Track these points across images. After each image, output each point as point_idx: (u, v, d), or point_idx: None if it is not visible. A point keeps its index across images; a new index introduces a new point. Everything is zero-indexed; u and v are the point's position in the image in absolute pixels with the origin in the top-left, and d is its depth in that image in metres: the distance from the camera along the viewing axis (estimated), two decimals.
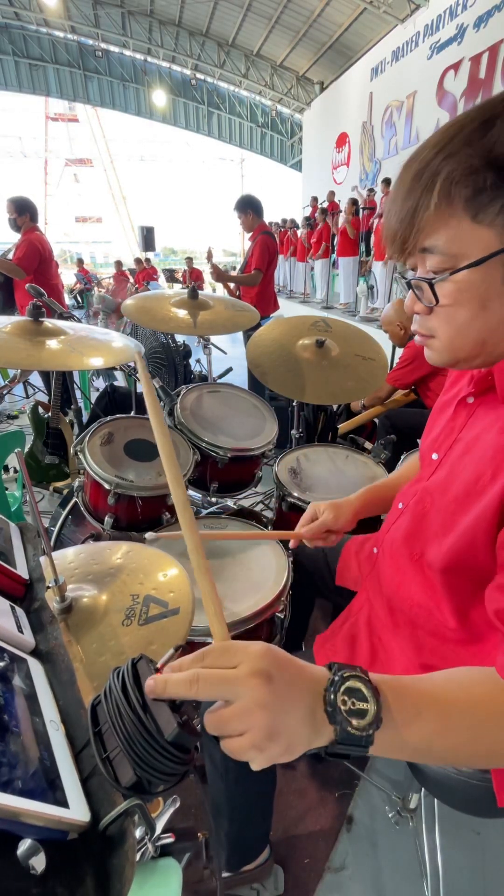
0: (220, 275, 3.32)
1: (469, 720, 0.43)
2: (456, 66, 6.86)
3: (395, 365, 2.28)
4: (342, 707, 0.39)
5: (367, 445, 2.15)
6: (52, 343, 1.19)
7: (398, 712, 0.41)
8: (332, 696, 0.40)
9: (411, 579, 0.71)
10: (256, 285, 3.26)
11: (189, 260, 12.10)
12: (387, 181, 6.69)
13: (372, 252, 6.64)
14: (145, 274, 10.41)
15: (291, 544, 0.94)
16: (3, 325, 1.20)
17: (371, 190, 8.17)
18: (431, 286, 0.54)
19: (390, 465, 1.53)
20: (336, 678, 0.41)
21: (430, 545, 0.67)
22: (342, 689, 0.40)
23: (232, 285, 3.45)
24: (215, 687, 0.38)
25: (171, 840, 0.50)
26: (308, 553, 1.13)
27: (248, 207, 3.23)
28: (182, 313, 1.61)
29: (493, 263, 0.51)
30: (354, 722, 0.39)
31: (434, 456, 0.70)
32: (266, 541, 1.18)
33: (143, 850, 0.48)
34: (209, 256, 4.19)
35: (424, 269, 0.55)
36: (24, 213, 3.04)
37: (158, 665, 0.46)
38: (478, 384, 0.64)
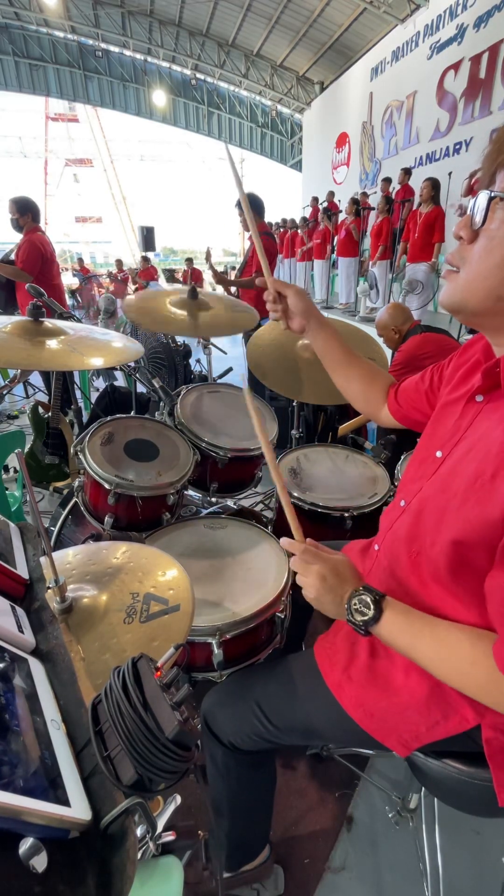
0: (220, 278, 3.31)
1: (432, 657, 0.62)
2: (456, 66, 6.85)
3: (388, 368, 2.29)
4: (353, 608, 0.66)
5: (367, 445, 2.15)
6: (52, 343, 1.19)
7: (387, 624, 0.64)
8: (350, 600, 0.67)
9: (409, 577, 0.71)
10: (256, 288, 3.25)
11: (189, 260, 12.09)
12: (387, 180, 6.69)
13: (367, 252, 6.64)
14: (146, 273, 10.41)
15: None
16: (3, 326, 1.20)
17: (364, 194, 8.17)
18: (490, 201, 0.52)
19: (390, 465, 1.53)
20: (357, 591, 0.67)
21: (428, 544, 0.67)
22: (355, 599, 0.66)
23: (233, 288, 3.44)
24: (300, 569, 0.70)
25: (172, 838, 0.50)
26: None
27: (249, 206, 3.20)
28: (182, 314, 1.61)
29: None
30: (357, 617, 0.65)
31: (438, 454, 0.70)
32: (266, 542, 1.18)
33: (144, 848, 0.48)
34: (208, 257, 4.06)
35: (501, 187, 0.53)
36: (25, 213, 3.04)
37: (159, 664, 0.47)
38: (486, 375, 0.63)
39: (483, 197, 0.53)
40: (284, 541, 0.73)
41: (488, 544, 0.57)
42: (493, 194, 0.52)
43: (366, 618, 0.65)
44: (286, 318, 0.98)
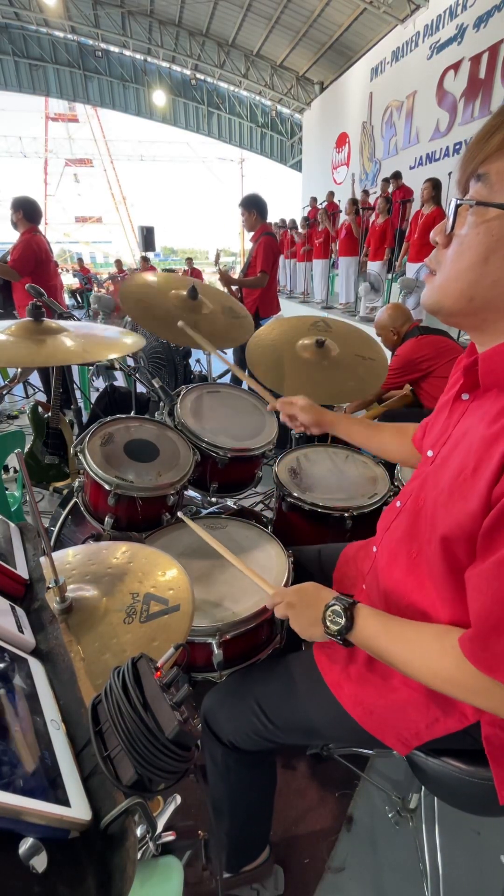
0: (227, 279, 3.32)
1: (404, 658, 0.64)
2: (456, 66, 6.85)
3: (387, 370, 2.30)
4: (327, 620, 0.70)
5: None
6: (55, 340, 1.19)
7: (360, 630, 0.68)
8: (324, 613, 0.71)
9: (406, 577, 0.71)
10: (261, 287, 3.27)
11: (189, 260, 12.12)
12: (387, 180, 6.69)
13: (367, 251, 6.64)
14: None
15: (268, 407, 1.21)
16: (4, 328, 1.20)
17: (365, 192, 8.18)
18: (457, 207, 0.54)
19: (390, 465, 1.53)
20: (329, 604, 0.71)
21: (425, 542, 0.67)
22: (328, 611, 0.70)
23: (235, 287, 3.45)
24: (278, 611, 0.78)
25: (172, 838, 0.50)
26: (306, 555, 1.14)
27: (254, 207, 3.22)
28: (181, 325, 1.58)
29: None
30: (332, 628, 0.69)
31: (429, 453, 0.71)
32: (267, 542, 1.18)
33: (144, 848, 0.48)
34: (217, 260, 4.19)
35: (472, 195, 0.55)
36: (18, 210, 3.03)
37: (159, 664, 0.47)
38: (466, 373, 0.63)
39: (453, 203, 0.55)
40: (267, 602, 0.81)
41: (470, 538, 0.57)
42: (458, 201, 0.54)
43: (339, 627, 0.68)
44: (305, 427, 1.11)
